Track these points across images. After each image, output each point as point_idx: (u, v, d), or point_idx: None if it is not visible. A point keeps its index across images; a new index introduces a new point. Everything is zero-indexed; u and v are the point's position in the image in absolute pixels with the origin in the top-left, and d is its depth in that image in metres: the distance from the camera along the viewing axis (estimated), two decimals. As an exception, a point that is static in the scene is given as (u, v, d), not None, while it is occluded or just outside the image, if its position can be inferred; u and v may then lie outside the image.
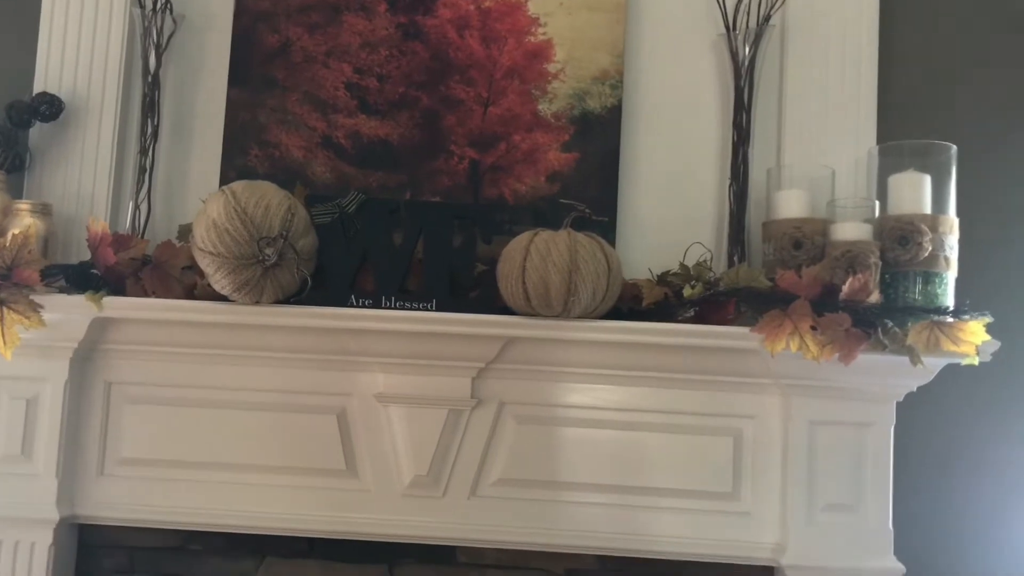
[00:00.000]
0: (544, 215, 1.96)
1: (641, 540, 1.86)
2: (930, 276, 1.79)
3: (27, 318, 1.74)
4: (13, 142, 2.00)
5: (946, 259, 1.79)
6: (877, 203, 1.87)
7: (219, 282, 1.74)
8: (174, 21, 2.04)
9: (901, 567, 1.79)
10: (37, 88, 2.05)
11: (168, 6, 2.03)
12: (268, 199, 1.74)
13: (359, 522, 1.88)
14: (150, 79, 2.02)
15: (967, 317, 1.70)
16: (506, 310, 1.79)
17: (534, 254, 1.73)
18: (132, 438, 1.91)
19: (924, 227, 1.77)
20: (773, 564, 1.84)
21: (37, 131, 2.04)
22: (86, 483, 1.91)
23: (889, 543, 1.81)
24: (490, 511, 1.88)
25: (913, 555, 1.84)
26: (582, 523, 1.87)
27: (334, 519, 1.88)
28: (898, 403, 1.84)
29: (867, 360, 1.71)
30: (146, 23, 2.02)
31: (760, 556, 1.85)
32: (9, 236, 1.78)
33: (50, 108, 1.99)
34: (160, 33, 2.03)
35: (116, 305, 1.81)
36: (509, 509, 1.88)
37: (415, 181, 2.03)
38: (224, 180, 2.01)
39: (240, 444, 1.90)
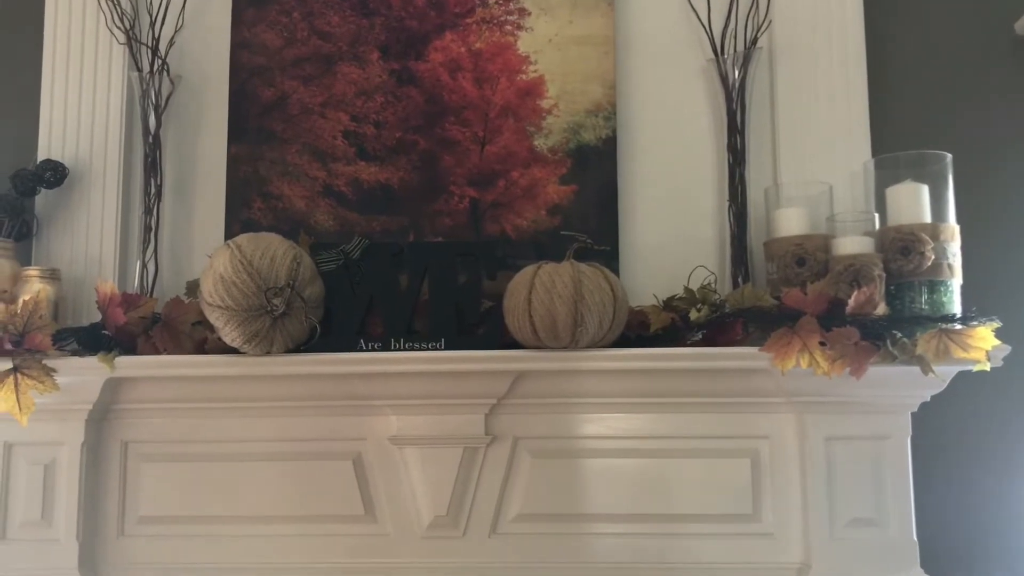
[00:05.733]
0: (546, 248, 1.97)
1: (664, 568, 1.85)
2: (935, 285, 1.79)
3: (41, 383, 1.76)
4: (20, 210, 2.03)
5: (950, 267, 1.80)
6: (876, 215, 1.88)
7: (229, 335, 1.75)
8: (171, 82, 2.08)
9: (929, 578, 1.78)
10: (41, 156, 2.08)
11: (165, 68, 2.07)
12: (273, 250, 1.76)
13: (380, 567, 1.88)
14: (151, 140, 2.06)
15: (975, 323, 1.69)
16: (514, 344, 1.80)
17: (539, 287, 1.74)
18: (150, 496, 1.92)
19: (925, 236, 1.78)
20: (800, 584, 1.83)
21: (43, 198, 2.07)
22: (107, 544, 1.91)
23: (915, 554, 1.79)
24: (511, 548, 1.87)
25: (940, 565, 1.82)
26: (604, 554, 1.86)
27: (355, 566, 1.88)
28: (914, 413, 1.83)
29: (878, 372, 1.71)
30: (144, 86, 2.06)
31: (786, 577, 1.84)
32: (20, 303, 1.81)
33: (54, 175, 2.02)
34: (159, 94, 2.07)
35: (128, 364, 1.82)
36: (530, 545, 1.87)
37: (417, 223, 2.05)
38: (229, 234, 2.03)
39: (258, 495, 1.90)
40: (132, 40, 2.09)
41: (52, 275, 1.96)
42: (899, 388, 1.78)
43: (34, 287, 1.92)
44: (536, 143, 2.06)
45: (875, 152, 1.98)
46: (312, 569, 1.89)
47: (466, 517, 1.87)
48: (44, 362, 1.77)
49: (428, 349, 1.80)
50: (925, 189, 1.83)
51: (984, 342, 1.68)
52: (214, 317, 1.75)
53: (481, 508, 1.87)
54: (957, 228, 1.82)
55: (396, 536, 1.88)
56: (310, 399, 1.88)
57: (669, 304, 1.86)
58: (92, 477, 1.91)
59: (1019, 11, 2.04)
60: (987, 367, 1.69)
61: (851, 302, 1.70)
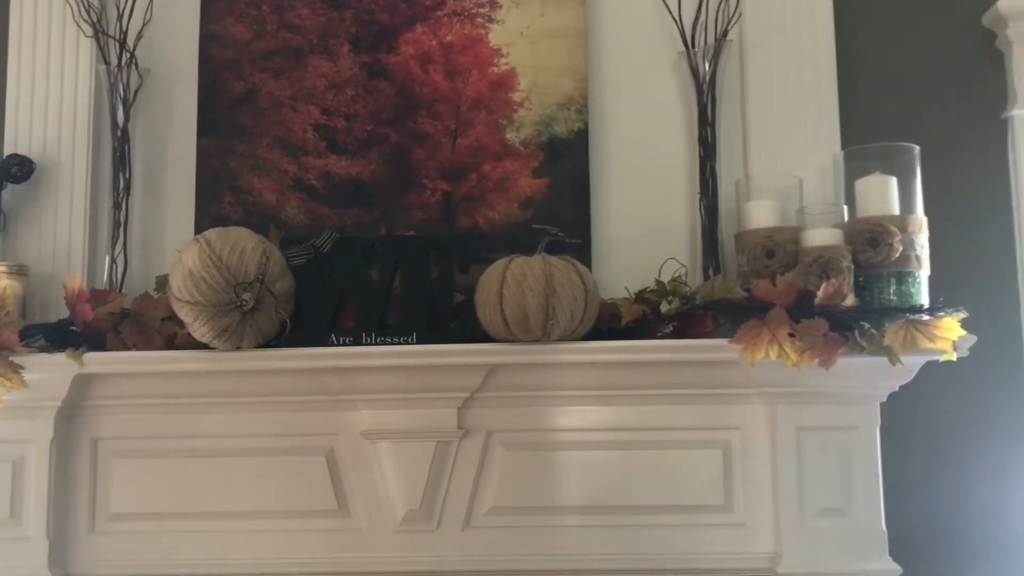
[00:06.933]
0: (519, 241, 1.96)
1: (638, 559, 1.86)
2: (903, 276, 1.81)
3: (8, 380, 1.75)
4: (-15, 205, 2.01)
5: (917, 258, 1.81)
6: (845, 207, 1.90)
7: (198, 330, 1.74)
8: (140, 76, 2.06)
9: (897, 567, 1.79)
10: (7, 150, 2.06)
11: (133, 61, 2.05)
12: (242, 245, 1.75)
13: (354, 561, 1.87)
14: (119, 134, 2.04)
15: (942, 314, 1.71)
16: (487, 338, 1.80)
17: (510, 280, 1.74)
18: (121, 493, 1.91)
19: (893, 228, 1.79)
20: (770, 573, 1.83)
21: (9, 192, 2.04)
22: (77, 541, 1.90)
23: (883, 544, 1.81)
24: (485, 541, 1.88)
25: (908, 554, 1.84)
26: (578, 546, 1.87)
27: (329, 560, 1.88)
28: (883, 403, 1.84)
29: (847, 363, 1.72)
30: (112, 79, 2.04)
31: (757, 566, 1.84)
32: (-14, 299, 1.79)
33: (21, 169, 2.00)
34: (127, 88, 2.04)
35: (97, 360, 1.81)
36: (504, 537, 1.88)
37: (389, 217, 2.05)
38: (199, 229, 2.01)
39: (230, 491, 1.89)
40: (99, 33, 2.07)
41: (19, 271, 1.94)
42: (868, 378, 1.79)
43: (1, 283, 1.89)
44: (508, 136, 2.06)
45: (844, 145, 1.99)
46: (285, 564, 1.89)
47: (439, 511, 1.87)
48: (11, 359, 1.76)
49: (400, 343, 1.80)
50: (893, 181, 1.84)
51: (951, 332, 1.70)
52: (183, 312, 1.74)
53: (454, 502, 1.87)
54: (925, 220, 1.84)
55: (369, 530, 1.88)
56: (281, 394, 1.87)
57: (640, 296, 1.86)
58: (62, 474, 1.89)
59: (986, 4, 2.06)
60: (954, 357, 1.71)
61: (820, 294, 1.71)
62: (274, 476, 1.89)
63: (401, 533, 1.88)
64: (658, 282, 1.86)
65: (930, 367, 1.78)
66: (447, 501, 1.87)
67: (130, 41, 2.06)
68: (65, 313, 1.85)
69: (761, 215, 1.89)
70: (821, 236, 1.83)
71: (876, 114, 2.06)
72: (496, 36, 2.08)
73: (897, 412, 1.89)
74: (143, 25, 2.07)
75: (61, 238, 2.04)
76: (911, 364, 1.75)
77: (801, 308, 1.72)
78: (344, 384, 1.85)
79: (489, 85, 2.07)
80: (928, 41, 2.11)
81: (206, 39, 2.10)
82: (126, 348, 1.83)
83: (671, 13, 2.03)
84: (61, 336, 1.83)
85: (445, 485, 1.87)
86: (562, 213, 2.02)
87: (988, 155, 2.08)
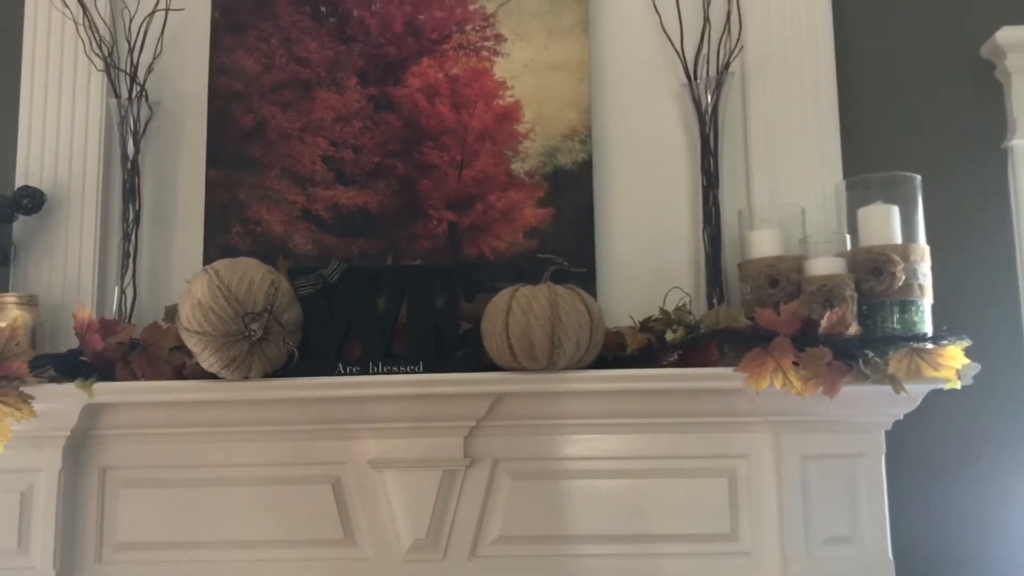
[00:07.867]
0: (524, 271, 1.98)
1: (644, 588, 1.86)
2: (906, 304, 1.82)
3: (18, 410, 1.75)
4: (-3, 237, 2.03)
5: (920, 287, 1.82)
6: (848, 236, 1.91)
7: (207, 360, 1.76)
8: (150, 108, 2.09)
9: (904, 595, 1.80)
10: (19, 182, 2.08)
11: (143, 94, 2.08)
12: (251, 275, 1.77)
13: (360, 591, 1.88)
14: (129, 166, 2.06)
15: (945, 342, 1.72)
16: (493, 367, 1.81)
17: (516, 310, 1.75)
18: (129, 522, 1.91)
19: (896, 257, 1.81)
20: (777, 603, 1.84)
21: (20, 224, 2.06)
22: (84, 572, 1.90)
23: (891, 572, 1.80)
24: (491, 570, 1.88)
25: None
26: (585, 575, 1.87)
27: (335, 590, 1.88)
28: (888, 431, 1.85)
29: (851, 392, 1.73)
30: (123, 112, 2.07)
31: (764, 595, 1.85)
32: (-3, 329, 1.80)
33: (32, 201, 2.02)
34: (137, 120, 2.07)
35: (106, 390, 1.82)
36: (510, 567, 1.88)
37: (396, 246, 2.07)
38: (207, 259, 2.03)
39: (237, 520, 1.89)
40: (110, 67, 2.10)
41: (30, 301, 1.96)
42: (872, 407, 1.80)
43: (11, 314, 1.91)
44: (513, 167, 2.08)
45: (846, 174, 2.01)
46: (292, 594, 1.89)
47: (446, 540, 1.87)
48: (21, 389, 1.76)
49: (406, 372, 1.81)
50: (895, 210, 1.86)
51: (954, 361, 1.70)
52: (192, 342, 1.75)
53: (461, 531, 1.88)
54: (927, 248, 1.85)
55: (376, 560, 1.88)
56: (289, 423, 1.88)
57: (645, 325, 1.88)
58: (69, 504, 1.90)
59: (983, 36, 2.09)
60: (958, 385, 1.71)
61: (823, 322, 1.72)
62: (281, 505, 1.89)
63: (407, 563, 1.88)
64: (663, 311, 1.88)
65: (934, 395, 1.79)
66: (453, 530, 1.88)
67: (140, 74, 2.09)
68: (75, 343, 1.86)
69: (764, 244, 1.90)
70: (824, 265, 1.84)
71: (877, 144, 2.08)
72: (501, 69, 2.11)
73: (902, 440, 1.89)
74: (153, 58, 2.10)
75: (71, 269, 2.06)
76: (915, 392, 1.76)
77: (805, 337, 1.73)
78: (351, 413, 1.86)
79: (494, 117, 2.10)
80: (928, 72, 2.13)
81: (215, 72, 2.13)
82: (135, 378, 1.84)
83: (673, 45, 2.06)
84: (71, 366, 1.84)
85: (451, 514, 1.87)
86: (567, 243, 2.04)
87: (988, 184, 2.10)
